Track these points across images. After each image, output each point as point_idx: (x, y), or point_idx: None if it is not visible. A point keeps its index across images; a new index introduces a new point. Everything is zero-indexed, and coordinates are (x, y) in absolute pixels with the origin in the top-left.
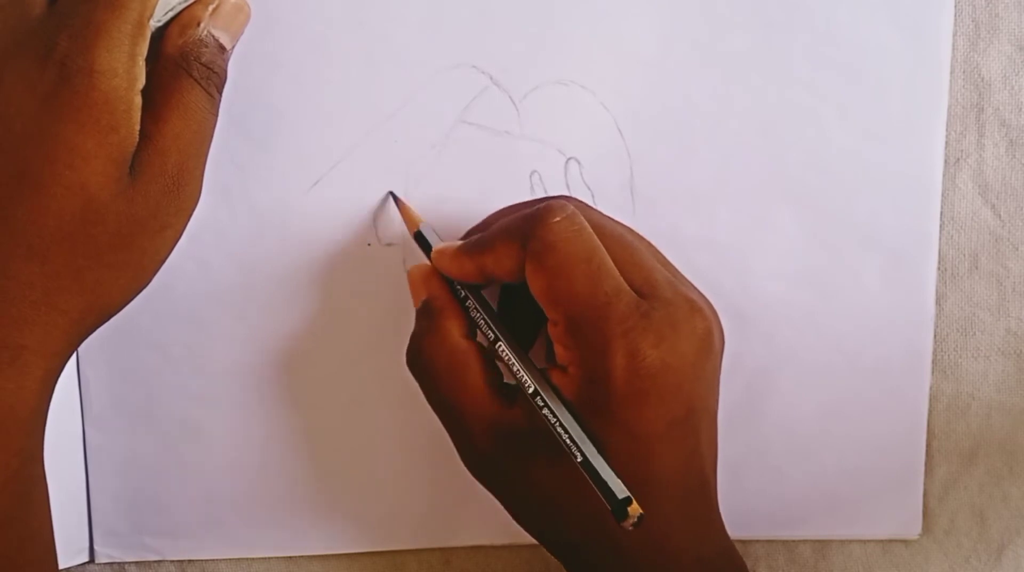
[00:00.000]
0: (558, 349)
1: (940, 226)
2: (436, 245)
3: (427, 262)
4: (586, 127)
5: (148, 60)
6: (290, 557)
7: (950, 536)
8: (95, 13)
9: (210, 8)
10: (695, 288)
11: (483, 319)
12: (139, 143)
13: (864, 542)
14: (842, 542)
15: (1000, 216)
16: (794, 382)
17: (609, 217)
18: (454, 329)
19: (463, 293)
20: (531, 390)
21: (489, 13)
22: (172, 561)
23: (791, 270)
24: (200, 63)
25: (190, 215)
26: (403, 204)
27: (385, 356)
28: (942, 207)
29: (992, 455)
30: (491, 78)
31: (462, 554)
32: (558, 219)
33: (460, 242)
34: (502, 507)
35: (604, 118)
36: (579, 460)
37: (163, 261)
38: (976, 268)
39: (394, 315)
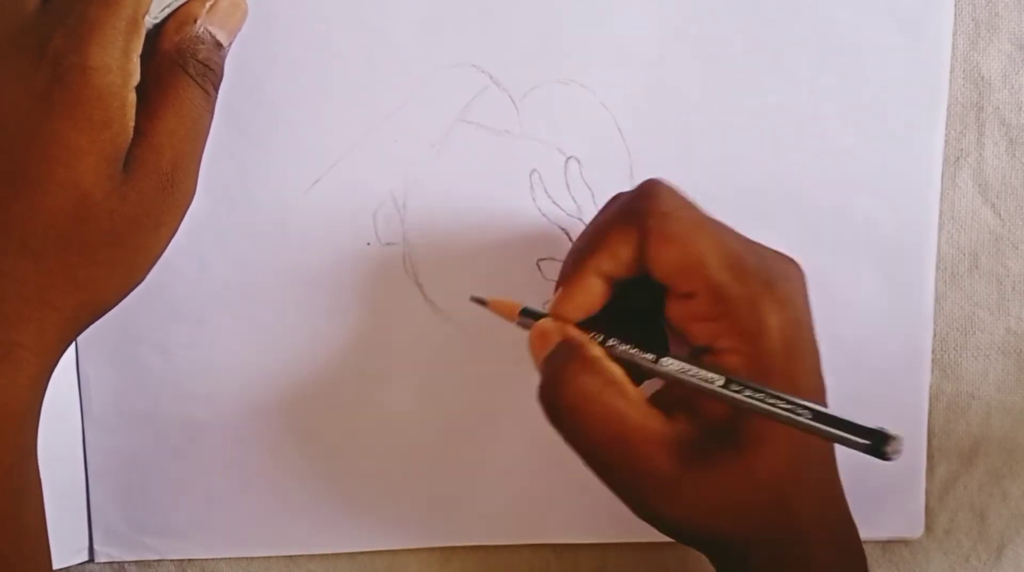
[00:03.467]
0: (698, 327)
1: (940, 225)
2: (548, 302)
3: (540, 322)
4: (586, 126)
5: (144, 57)
6: (290, 557)
7: (950, 535)
8: (89, 10)
9: (207, 5)
10: None
11: (627, 346)
12: (134, 140)
13: (864, 542)
14: None
15: (1000, 215)
16: None
17: None
18: (598, 355)
19: (591, 333)
20: (720, 382)
21: (489, 12)
22: (172, 560)
23: None
24: (196, 60)
25: (184, 212)
26: (492, 301)
27: (385, 355)
28: (942, 206)
29: (992, 454)
30: (491, 77)
31: (462, 554)
32: (665, 189)
33: (564, 281)
34: (502, 507)
35: (604, 117)
36: (810, 417)
37: (157, 258)
38: (976, 267)
39: (394, 314)
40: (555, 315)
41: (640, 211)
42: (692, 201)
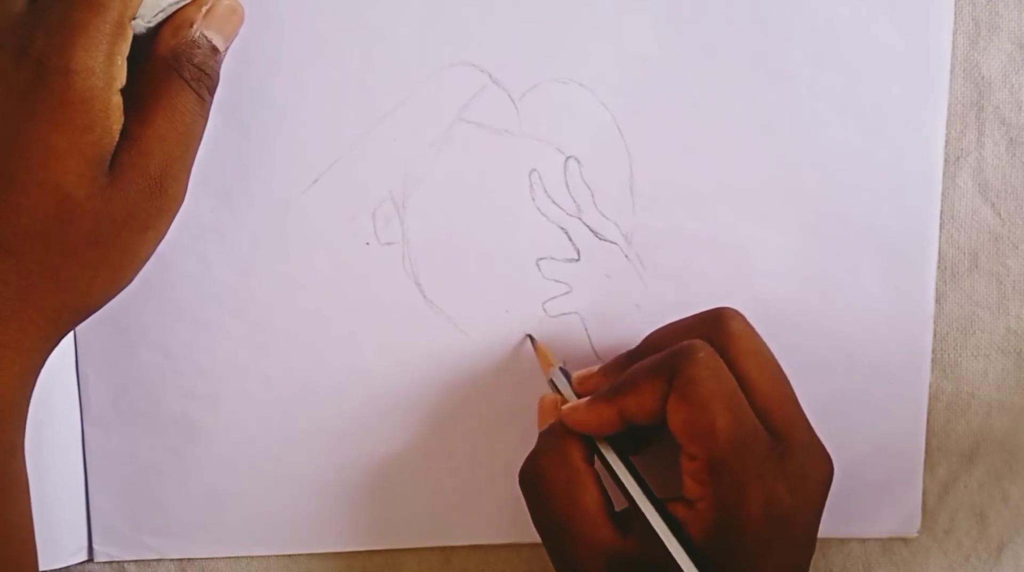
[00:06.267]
0: (690, 483)
1: (940, 225)
2: (565, 405)
3: (543, 397)
4: (585, 125)
5: (139, 61)
6: (289, 556)
7: (950, 535)
8: (73, 12)
9: (203, 9)
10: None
11: (615, 460)
12: (123, 143)
13: (863, 541)
14: (841, 540)
15: (1000, 215)
16: (794, 380)
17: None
18: (575, 451)
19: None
20: (657, 528)
21: (488, 11)
22: (171, 560)
23: (791, 269)
24: (192, 64)
25: (173, 217)
26: (540, 345)
27: (385, 355)
28: (942, 206)
29: (992, 454)
30: (490, 76)
31: (462, 553)
32: (702, 355)
33: (589, 397)
34: (502, 507)
35: (603, 116)
36: None
37: (144, 261)
38: (976, 267)
39: (393, 313)
40: (564, 416)
41: (672, 369)
42: (726, 369)
